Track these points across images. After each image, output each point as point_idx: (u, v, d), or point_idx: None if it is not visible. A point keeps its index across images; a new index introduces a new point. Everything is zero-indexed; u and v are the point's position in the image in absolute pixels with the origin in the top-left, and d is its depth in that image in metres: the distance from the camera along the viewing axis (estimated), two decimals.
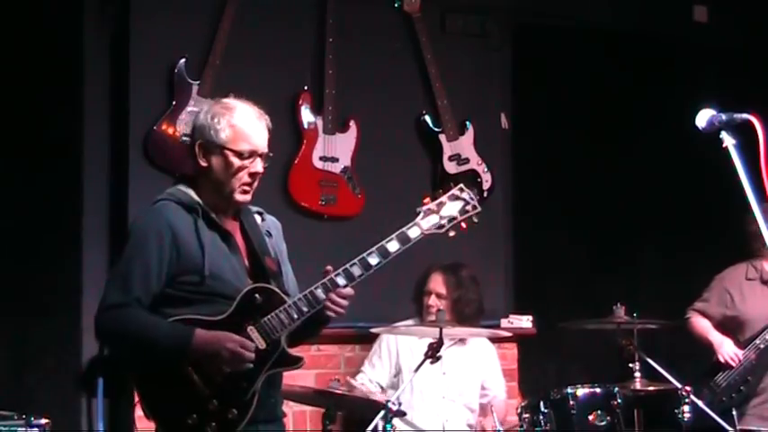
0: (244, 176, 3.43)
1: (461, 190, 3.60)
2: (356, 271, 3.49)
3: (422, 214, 3.57)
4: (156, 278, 3.33)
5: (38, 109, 5.51)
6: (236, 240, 3.47)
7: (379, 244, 3.52)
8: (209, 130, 3.44)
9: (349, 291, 3.50)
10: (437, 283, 5.46)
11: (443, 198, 3.60)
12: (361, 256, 3.49)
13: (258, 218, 3.59)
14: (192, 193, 3.46)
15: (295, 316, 3.40)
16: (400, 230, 3.55)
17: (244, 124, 3.45)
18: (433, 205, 3.58)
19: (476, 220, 3.57)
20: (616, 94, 6.95)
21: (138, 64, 5.76)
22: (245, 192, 3.46)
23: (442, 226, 3.58)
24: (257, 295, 3.40)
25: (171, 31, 5.84)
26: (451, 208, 3.58)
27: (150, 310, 3.34)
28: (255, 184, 3.48)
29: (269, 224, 3.63)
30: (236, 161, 3.41)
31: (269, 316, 3.38)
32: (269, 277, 3.47)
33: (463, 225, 3.58)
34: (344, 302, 3.49)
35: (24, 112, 5.48)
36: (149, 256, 3.33)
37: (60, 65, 5.63)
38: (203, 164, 3.46)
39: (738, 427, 5.38)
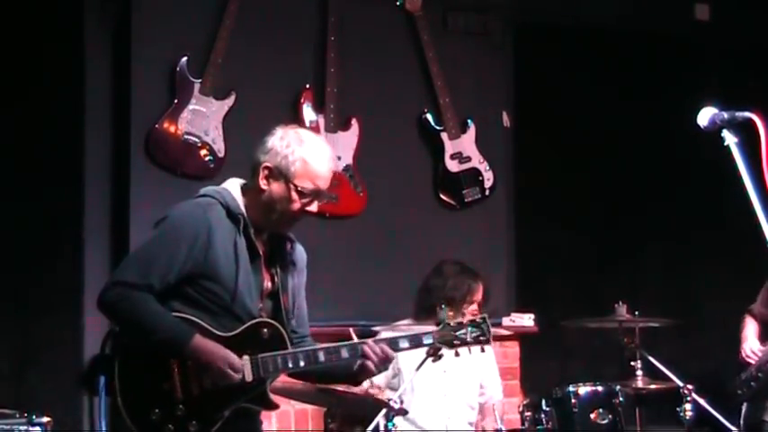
0: (298, 212, 3.42)
1: (483, 320, 3.67)
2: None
3: (441, 326, 3.63)
4: (176, 274, 3.32)
5: (39, 107, 5.51)
6: (261, 262, 3.46)
7: (393, 336, 3.57)
8: (281, 157, 3.40)
9: (390, 352, 3.50)
10: (480, 293, 5.39)
11: (465, 320, 3.67)
12: (373, 339, 3.54)
13: (288, 245, 3.57)
14: (239, 200, 3.44)
15: (290, 365, 3.42)
16: (416, 333, 3.62)
17: (315, 163, 3.41)
18: (453, 323, 3.65)
19: (483, 349, 3.67)
20: (617, 92, 6.95)
21: (139, 62, 5.77)
22: (290, 225, 3.48)
23: (452, 346, 3.64)
24: (266, 330, 3.41)
25: (172, 29, 5.84)
26: (467, 333, 3.64)
27: (158, 298, 3.33)
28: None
29: (296, 254, 3.60)
30: (296, 197, 3.39)
31: (267, 355, 3.38)
32: (281, 311, 3.48)
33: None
34: (380, 355, 3.48)
35: (25, 111, 5.48)
36: (177, 252, 3.32)
37: (61, 63, 5.64)
38: (263, 186, 3.41)
39: (764, 418, 5.41)
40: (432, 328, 3.68)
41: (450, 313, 3.71)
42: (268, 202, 3.42)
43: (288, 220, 3.45)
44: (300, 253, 3.63)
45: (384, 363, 3.50)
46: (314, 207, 3.45)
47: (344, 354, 3.47)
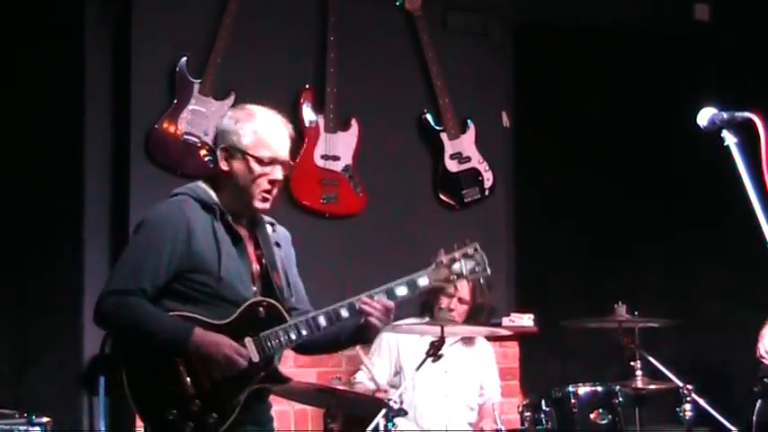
0: (263, 183, 3.45)
1: (476, 250, 3.63)
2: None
3: (434, 266, 3.58)
4: (165, 273, 3.34)
5: (39, 107, 5.51)
6: (245, 246, 3.48)
7: (388, 286, 3.53)
8: (233, 135, 3.47)
9: (388, 303, 3.49)
10: (465, 289, 5.37)
11: (456, 254, 3.62)
12: (368, 293, 3.50)
13: (269, 228, 3.61)
14: (211, 192, 3.48)
15: (293, 337, 3.42)
16: (410, 276, 3.56)
17: (266, 131, 3.48)
18: (445, 259, 3.59)
19: (482, 281, 3.63)
20: (617, 92, 6.95)
21: (139, 62, 5.77)
22: (264, 199, 3.48)
23: (450, 281, 3.62)
24: (261, 308, 3.42)
25: (172, 30, 5.84)
26: (462, 266, 3.60)
27: (152, 302, 3.35)
28: (275, 191, 3.50)
29: (279, 235, 3.65)
30: (256, 167, 3.43)
31: (268, 332, 3.39)
32: (274, 291, 3.49)
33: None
34: (379, 308, 3.47)
35: (25, 111, 5.48)
36: (162, 249, 3.34)
37: (61, 63, 5.64)
38: (225, 168, 3.47)
39: None
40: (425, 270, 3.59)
41: (441, 250, 3.64)
42: (235, 183, 3.46)
43: (259, 194, 3.45)
44: (283, 232, 3.68)
45: (386, 314, 3.48)
46: (278, 174, 3.47)
47: (344, 313, 3.47)
